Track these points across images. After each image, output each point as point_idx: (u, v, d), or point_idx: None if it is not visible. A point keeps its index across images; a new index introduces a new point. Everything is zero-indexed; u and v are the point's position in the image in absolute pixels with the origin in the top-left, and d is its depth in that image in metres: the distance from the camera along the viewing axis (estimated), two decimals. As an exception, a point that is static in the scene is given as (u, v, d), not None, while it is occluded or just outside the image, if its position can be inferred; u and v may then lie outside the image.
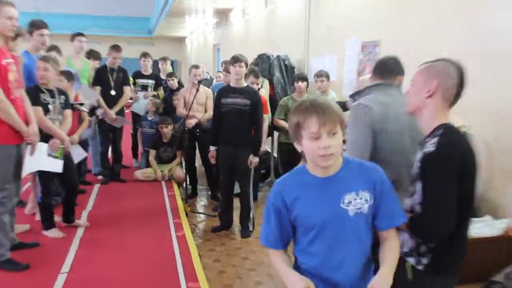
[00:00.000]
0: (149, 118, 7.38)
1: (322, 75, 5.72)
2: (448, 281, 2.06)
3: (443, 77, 1.99)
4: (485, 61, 3.49)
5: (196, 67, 6.54)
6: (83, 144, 6.28)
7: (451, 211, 1.89)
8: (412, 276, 2.04)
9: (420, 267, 2.02)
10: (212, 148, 5.24)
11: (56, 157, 4.55)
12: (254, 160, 5.03)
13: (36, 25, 4.84)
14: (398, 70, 2.76)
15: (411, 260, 2.05)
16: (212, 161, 5.30)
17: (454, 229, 1.91)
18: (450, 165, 1.89)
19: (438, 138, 1.93)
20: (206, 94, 6.24)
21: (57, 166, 4.55)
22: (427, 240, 1.99)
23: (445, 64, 2.02)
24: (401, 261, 2.10)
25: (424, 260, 2.01)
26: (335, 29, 6.00)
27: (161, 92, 7.71)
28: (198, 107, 6.16)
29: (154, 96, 7.49)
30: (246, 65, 5.07)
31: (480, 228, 3.33)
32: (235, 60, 4.98)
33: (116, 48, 6.79)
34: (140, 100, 7.45)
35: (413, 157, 2.48)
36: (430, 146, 1.93)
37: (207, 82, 7.77)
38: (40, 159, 4.41)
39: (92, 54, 6.90)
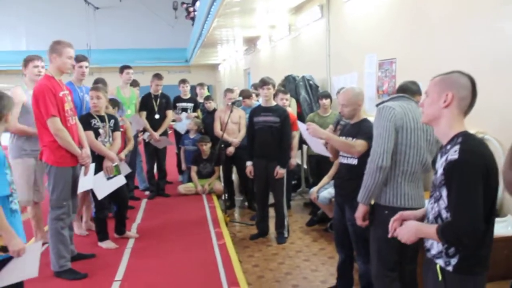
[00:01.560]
0: (191, 137, 7.40)
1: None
2: (478, 279, 1.95)
3: (457, 88, 1.94)
4: (497, 74, 3.39)
5: (231, 91, 6.58)
6: (131, 162, 6.39)
7: (479, 215, 1.80)
8: (442, 278, 1.95)
9: (449, 268, 1.92)
10: (248, 163, 5.20)
11: (115, 176, 4.69)
12: (280, 171, 4.98)
13: (77, 59, 4.95)
14: (417, 90, 3.10)
15: (440, 262, 1.96)
16: (250, 176, 5.25)
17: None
18: (475, 171, 1.81)
19: (459, 146, 1.86)
20: (239, 114, 6.27)
21: (120, 181, 4.75)
22: (459, 245, 1.88)
23: (458, 76, 1.97)
24: (431, 264, 2.02)
25: (453, 261, 1.91)
26: (354, 49, 5.94)
27: (199, 113, 7.75)
28: (233, 125, 6.20)
29: (195, 117, 7.54)
30: (274, 86, 5.10)
31: (503, 227, 3.19)
32: (264, 83, 5.04)
33: (157, 76, 6.90)
34: (183, 120, 7.52)
35: (426, 155, 2.77)
36: (453, 154, 1.85)
37: (239, 103, 7.76)
38: (104, 185, 4.58)
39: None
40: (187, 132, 7.46)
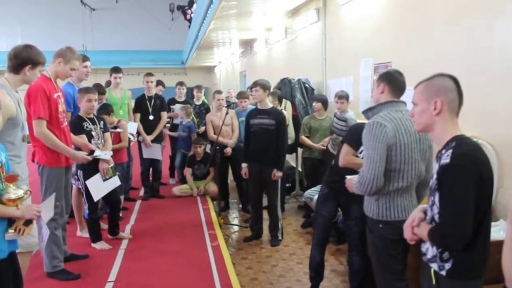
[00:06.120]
0: (184, 123, 7.36)
1: (343, 97, 5.41)
2: (471, 285, 1.93)
3: (445, 93, 1.94)
4: (491, 77, 3.40)
5: (219, 92, 6.55)
6: (128, 164, 6.40)
7: (466, 219, 1.80)
8: (436, 282, 1.94)
9: (443, 273, 1.91)
10: (244, 165, 5.19)
11: (110, 177, 4.69)
12: (277, 174, 4.96)
13: (81, 59, 4.94)
14: (404, 87, 2.77)
15: (434, 266, 1.95)
16: (245, 176, 5.22)
17: (474, 234, 1.82)
18: (465, 175, 1.81)
19: (452, 150, 1.86)
20: (230, 115, 6.21)
21: (115, 182, 4.77)
22: (445, 248, 1.89)
23: (441, 79, 1.97)
24: (426, 268, 2.02)
25: (447, 266, 1.90)
26: (349, 53, 5.95)
27: (193, 116, 7.69)
28: (226, 127, 6.18)
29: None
30: (263, 87, 5.00)
31: (495, 231, 3.20)
32: (252, 86, 5.15)
33: (148, 74, 6.88)
34: (177, 110, 7.58)
35: (421, 166, 2.66)
36: (446, 158, 1.85)
37: (234, 105, 7.75)
38: (100, 186, 4.59)
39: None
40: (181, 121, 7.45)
